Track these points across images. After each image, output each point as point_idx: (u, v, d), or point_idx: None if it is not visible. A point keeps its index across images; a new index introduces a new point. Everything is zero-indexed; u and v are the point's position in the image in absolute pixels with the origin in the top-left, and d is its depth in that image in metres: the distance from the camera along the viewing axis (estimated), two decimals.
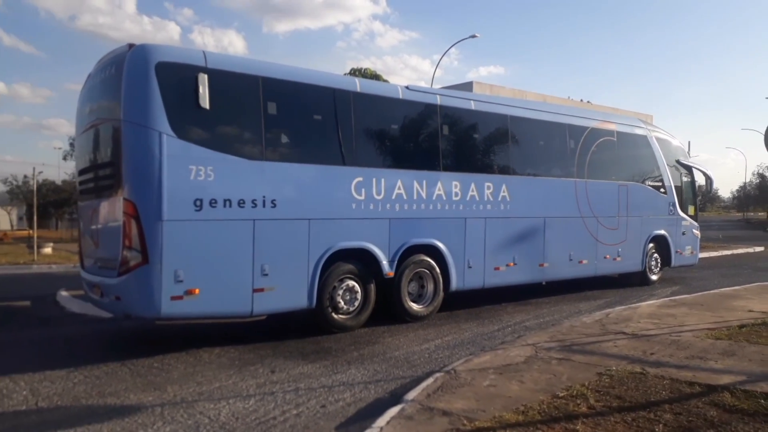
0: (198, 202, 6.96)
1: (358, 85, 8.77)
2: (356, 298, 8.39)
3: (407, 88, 9.35)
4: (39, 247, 21.02)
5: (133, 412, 5.10)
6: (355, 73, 24.30)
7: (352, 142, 8.50)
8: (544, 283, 11.41)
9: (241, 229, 7.30)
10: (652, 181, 13.29)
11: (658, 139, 13.66)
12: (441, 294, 9.39)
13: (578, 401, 4.93)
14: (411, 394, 5.21)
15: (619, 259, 12.40)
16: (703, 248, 15.79)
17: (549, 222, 10.94)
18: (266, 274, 7.43)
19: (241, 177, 7.33)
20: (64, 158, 36.71)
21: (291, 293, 7.74)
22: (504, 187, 10.17)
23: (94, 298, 7.76)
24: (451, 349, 7.38)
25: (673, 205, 13.71)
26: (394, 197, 8.72)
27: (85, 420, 4.93)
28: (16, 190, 44.94)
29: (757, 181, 72.79)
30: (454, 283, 9.50)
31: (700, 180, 15.06)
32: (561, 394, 5.12)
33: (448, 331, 8.48)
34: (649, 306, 9.95)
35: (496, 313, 9.95)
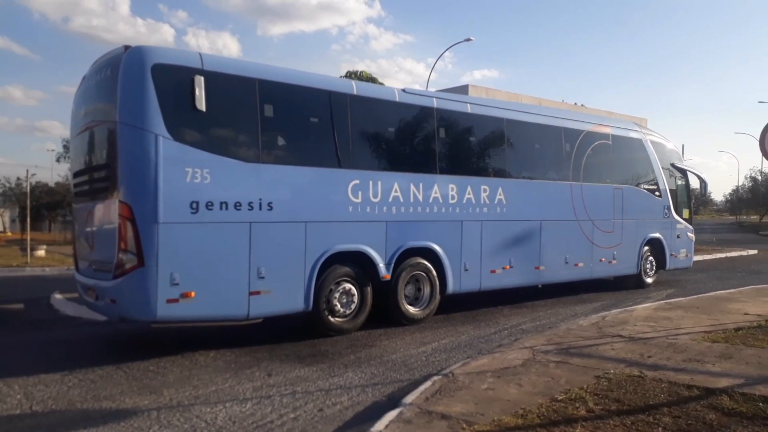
0: (194, 205, 6.92)
1: (355, 87, 8.76)
2: (353, 301, 8.37)
3: (404, 91, 9.35)
4: (32, 249, 20.86)
5: (129, 416, 5.06)
6: (351, 75, 24.29)
7: (349, 144, 8.49)
8: (540, 286, 11.40)
9: (237, 232, 7.26)
10: (647, 184, 13.32)
11: (652, 142, 13.70)
12: (437, 297, 9.38)
13: (577, 405, 4.92)
14: (409, 398, 5.19)
15: (614, 262, 12.42)
16: (697, 251, 15.83)
17: (545, 225, 10.95)
18: (262, 277, 7.40)
19: (237, 179, 7.30)
20: (58, 160, 36.56)
21: (287, 296, 7.70)
22: (500, 190, 10.17)
23: (88, 301, 7.71)
24: (448, 352, 7.36)
25: (668, 208, 13.75)
26: (390, 200, 8.71)
27: (80, 424, 4.89)
28: (9, 193, 44.62)
29: (750, 184, 73.12)
30: (451, 286, 9.49)
31: (694, 183, 15.12)
32: (560, 398, 5.10)
33: (444, 334, 8.47)
34: (645, 309, 9.96)
35: (492, 315, 9.94)
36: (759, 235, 45.94)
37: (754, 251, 26.69)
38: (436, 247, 9.28)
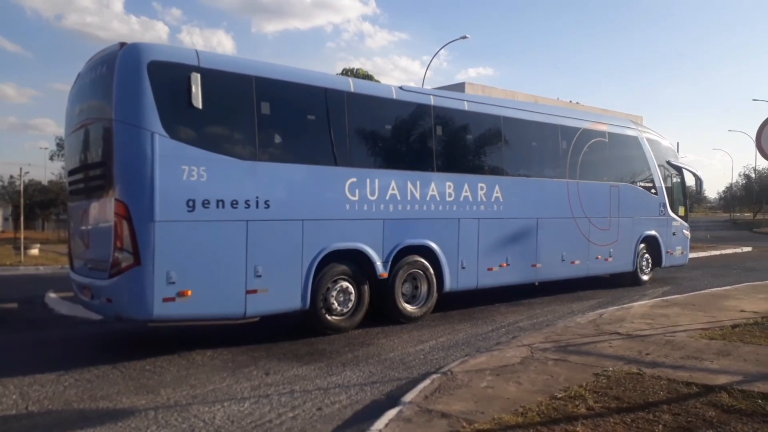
0: (190, 203, 6.88)
1: (352, 85, 8.73)
2: (350, 300, 8.34)
3: (401, 88, 9.32)
4: (26, 248, 20.76)
5: (126, 416, 5.02)
6: (347, 73, 24.24)
7: (346, 142, 8.46)
8: (536, 283, 11.41)
9: (234, 230, 7.22)
10: (643, 181, 13.34)
11: (648, 140, 13.72)
12: (435, 295, 9.36)
13: (577, 402, 4.91)
14: (408, 396, 5.17)
15: (610, 259, 12.44)
16: (692, 248, 15.87)
17: (541, 223, 10.95)
18: (259, 276, 7.37)
19: (234, 177, 7.26)
20: (51, 158, 36.35)
21: (284, 295, 7.67)
22: (497, 187, 10.16)
23: (84, 299, 7.66)
24: (446, 350, 7.35)
25: (664, 205, 13.77)
26: (387, 198, 8.68)
27: (77, 424, 4.85)
28: (2, 191, 44.43)
29: (744, 182, 73.45)
30: (448, 284, 9.48)
31: (689, 181, 15.13)
32: (559, 395, 5.09)
33: (442, 332, 8.45)
34: (642, 306, 9.97)
35: (489, 313, 9.93)
36: (753, 233, 46.15)
37: (749, 248, 26.80)
38: (434, 245, 9.26)
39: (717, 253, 24.07)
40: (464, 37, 29.73)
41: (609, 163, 12.68)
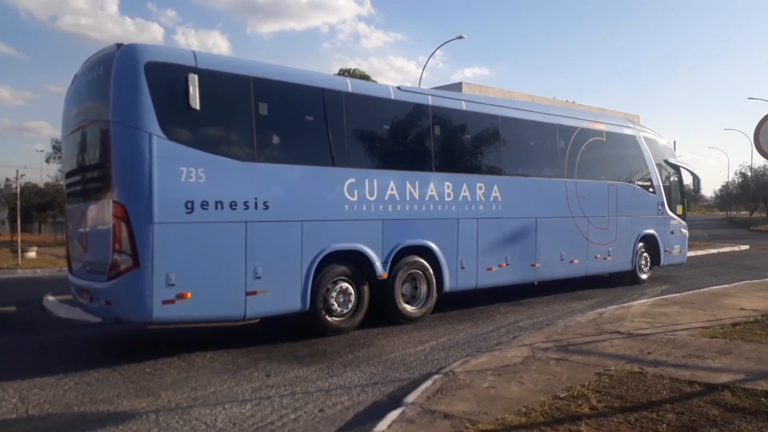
0: (189, 205, 6.85)
1: (350, 85, 8.71)
2: (350, 300, 8.32)
3: (399, 88, 9.30)
4: (23, 251, 20.68)
5: (127, 419, 4.99)
6: (344, 73, 24.19)
7: (344, 142, 8.43)
8: (536, 283, 11.39)
9: (233, 232, 7.19)
10: (641, 180, 13.35)
11: (646, 138, 13.72)
12: (434, 295, 9.34)
13: (580, 402, 4.89)
14: (410, 397, 5.15)
15: (609, 258, 12.44)
16: (689, 247, 15.87)
17: (540, 222, 10.94)
18: (259, 277, 7.34)
19: (232, 179, 7.23)
20: (47, 161, 36.21)
21: (284, 296, 7.65)
22: (496, 187, 10.15)
23: (82, 302, 7.61)
24: (446, 350, 7.33)
25: (662, 204, 13.78)
26: (386, 198, 8.66)
27: (77, 428, 4.82)
28: None
29: (740, 180, 73.64)
30: (447, 284, 9.46)
31: (687, 179, 15.12)
32: (562, 395, 5.08)
33: (442, 332, 8.43)
34: (642, 305, 9.97)
35: (489, 313, 9.92)
36: (749, 231, 46.26)
37: (746, 246, 26.84)
38: (433, 246, 9.24)
39: (715, 251, 24.11)
40: (460, 37, 29.76)
41: (607, 162, 12.69)
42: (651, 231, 13.43)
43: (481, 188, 9.92)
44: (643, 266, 13.53)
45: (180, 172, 6.80)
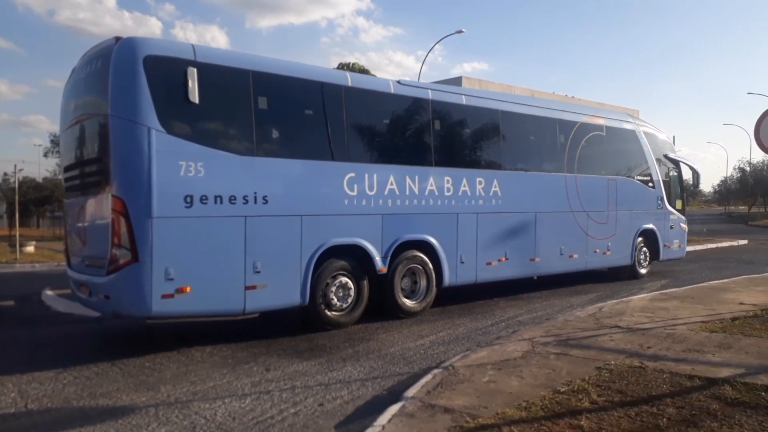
0: (188, 199, 6.83)
1: (349, 79, 8.67)
2: (349, 295, 8.31)
3: (398, 82, 9.27)
4: (21, 245, 20.63)
5: (127, 414, 4.98)
6: (343, 68, 24.08)
7: (344, 137, 8.41)
8: (535, 277, 11.39)
9: (232, 226, 7.17)
10: (640, 175, 13.33)
11: (645, 133, 13.70)
12: (434, 289, 9.33)
13: (580, 396, 4.89)
14: (410, 391, 5.14)
15: (608, 253, 12.43)
16: (688, 242, 15.87)
17: (540, 217, 10.93)
18: (258, 272, 7.32)
19: (231, 173, 7.20)
20: (45, 155, 36.22)
21: (284, 290, 7.63)
22: (495, 182, 10.13)
23: (81, 297, 7.60)
24: (446, 344, 7.32)
25: (661, 199, 13.77)
26: (386, 193, 8.64)
27: (77, 422, 4.80)
28: None
29: (738, 175, 73.73)
30: (447, 279, 9.45)
31: (686, 174, 15.11)
32: (562, 390, 5.07)
33: (442, 326, 8.43)
34: (641, 300, 9.97)
35: (488, 308, 9.91)
36: (748, 226, 46.34)
37: (745, 241, 26.88)
38: (433, 240, 9.23)
39: (713, 246, 24.13)
40: (460, 32, 29.70)
41: (606, 156, 12.66)
42: (650, 226, 13.42)
43: (480, 183, 9.90)
44: (642, 261, 13.53)
45: (179, 166, 6.78)
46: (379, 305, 8.82)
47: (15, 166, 21.20)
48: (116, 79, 6.70)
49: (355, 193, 8.29)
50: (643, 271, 13.60)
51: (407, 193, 8.90)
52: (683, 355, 6.16)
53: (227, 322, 8.68)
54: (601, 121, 12.52)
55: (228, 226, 7.12)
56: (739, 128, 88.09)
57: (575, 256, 11.64)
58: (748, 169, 70.17)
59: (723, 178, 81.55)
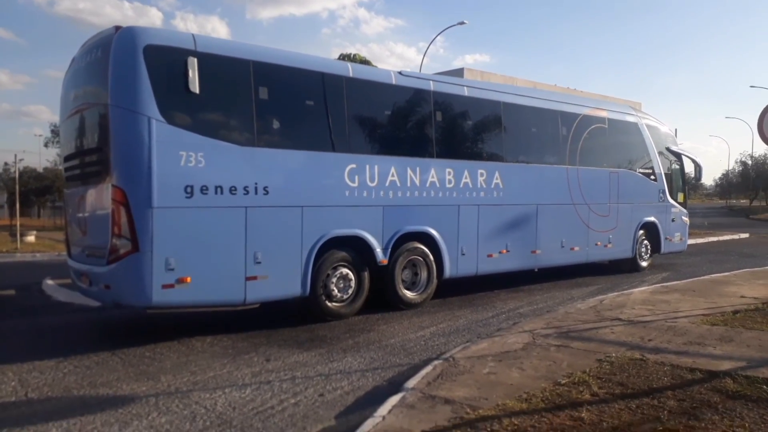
0: (189, 189, 6.80)
1: (351, 70, 8.63)
2: (350, 286, 8.30)
3: (400, 73, 9.22)
4: (22, 235, 20.65)
5: (127, 403, 4.98)
6: (345, 59, 24.01)
7: (345, 128, 8.37)
8: (536, 270, 11.38)
9: (233, 217, 7.15)
10: (642, 168, 13.29)
11: (648, 126, 13.65)
12: (434, 281, 9.32)
13: (581, 388, 4.88)
14: (411, 382, 5.14)
15: (610, 245, 12.41)
16: (690, 235, 15.84)
17: (541, 209, 10.90)
18: (259, 262, 7.31)
19: (232, 163, 7.17)
20: (46, 145, 36.21)
21: (284, 281, 7.62)
22: (497, 174, 10.10)
23: (82, 286, 7.59)
24: (446, 336, 7.32)
25: (663, 192, 13.73)
26: (387, 184, 8.61)
27: (77, 411, 4.80)
28: None
29: (740, 168, 73.57)
30: (448, 271, 9.44)
31: (688, 167, 15.05)
32: (563, 382, 5.07)
33: (442, 318, 8.42)
34: (642, 292, 9.96)
35: (489, 299, 9.91)
36: (749, 219, 46.27)
37: (746, 235, 26.84)
38: (433, 232, 9.21)
39: (715, 239, 24.10)
40: (462, 23, 29.56)
41: (608, 149, 12.62)
42: (652, 218, 13.40)
43: (482, 175, 9.87)
44: (643, 254, 13.51)
45: (179, 156, 6.75)
46: (380, 296, 8.81)
47: (15, 156, 21.15)
48: (116, 68, 6.66)
49: (356, 185, 8.27)
50: (644, 263, 13.58)
51: (408, 184, 8.87)
52: (684, 348, 6.15)
53: (228, 313, 8.68)
54: (603, 114, 12.47)
55: (228, 216, 7.10)
56: (741, 121, 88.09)
57: (576, 248, 11.63)
58: (749, 162, 70.01)
59: (724, 172, 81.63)
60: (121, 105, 6.61)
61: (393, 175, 8.68)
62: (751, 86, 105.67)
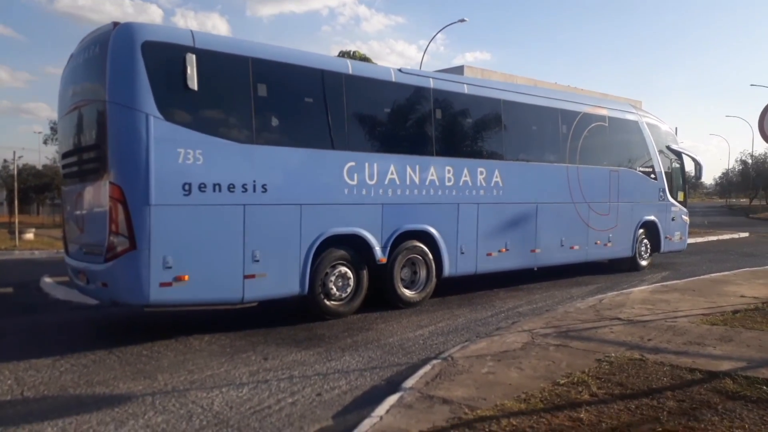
0: (186, 187, 6.77)
1: (350, 67, 8.58)
2: (349, 285, 8.27)
3: (400, 70, 9.18)
4: (21, 232, 20.61)
5: (123, 402, 4.95)
6: (345, 56, 23.95)
7: (344, 125, 8.33)
8: (536, 268, 11.35)
9: (231, 215, 7.12)
10: (642, 166, 13.25)
11: (648, 124, 13.61)
12: (434, 280, 9.29)
13: (580, 389, 4.85)
14: (409, 382, 5.11)
15: (609, 244, 12.38)
16: (689, 234, 15.81)
17: (541, 208, 10.87)
18: (257, 261, 7.27)
19: (230, 161, 7.14)
20: (45, 142, 36.10)
21: (283, 280, 7.59)
22: (497, 172, 10.06)
23: (79, 284, 7.56)
24: (445, 335, 7.29)
25: (663, 190, 13.70)
26: (386, 182, 8.58)
27: (73, 410, 4.77)
28: None
29: (740, 167, 73.51)
30: (447, 269, 9.41)
31: (688, 166, 15.01)
32: (562, 382, 5.03)
33: (441, 317, 8.39)
34: (642, 291, 9.93)
35: (488, 299, 9.87)
36: (749, 218, 46.25)
37: (746, 234, 26.82)
38: (433, 230, 9.17)
39: (714, 238, 24.07)
40: (462, 20, 29.48)
41: (609, 147, 12.58)
42: (652, 217, 13.37)
43: (482, 173, 9.83)
44: (643, 253, 13.48)
45: (177, 153, 6.71)
46: (379, 295, 8.78)
47: (14, 153, 21.07)
48: (114, 64, 6.62)
49: (355, 183, 8.23)
50: (644, 262, 13.55)
51: (408, 182, 8.83)
52: (684, 348, 6.12)
53: (226, 311, 8.65)
54: (603, 112, 12.43)
55: (227, 214, 7.07)
56: (741, 120, 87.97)
57: (576, 247, 11.59)
58: (749, 161, 69.95)
59: (725, 171, 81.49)
60: (118, 101, 6.57)
61: (392, 173, 8.65)
62: (752, 85, 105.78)
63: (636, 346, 6.23)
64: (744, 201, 79.21)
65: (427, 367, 5.54)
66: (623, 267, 13.28)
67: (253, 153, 7.34)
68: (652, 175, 13.41)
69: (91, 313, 8.81)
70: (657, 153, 13.53)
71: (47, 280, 11.34)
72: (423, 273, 9.21)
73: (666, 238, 13.81)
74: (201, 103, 7.10)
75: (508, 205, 10.30)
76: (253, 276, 7.25)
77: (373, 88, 8.84)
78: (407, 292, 9.02)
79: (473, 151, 10.09)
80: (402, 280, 8.97)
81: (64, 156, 8.01)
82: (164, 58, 6.81)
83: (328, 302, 8.08)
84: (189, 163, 6.78)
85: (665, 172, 13.75)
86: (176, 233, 6.70)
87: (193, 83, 6.89)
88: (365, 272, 8.42)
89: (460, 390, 4.88)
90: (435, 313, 8.69)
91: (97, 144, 6.96)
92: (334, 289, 8.11)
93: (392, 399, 4.68)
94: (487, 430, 4.06)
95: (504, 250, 10.26)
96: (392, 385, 5.24)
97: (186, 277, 6.74)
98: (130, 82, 6.56)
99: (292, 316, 8.23)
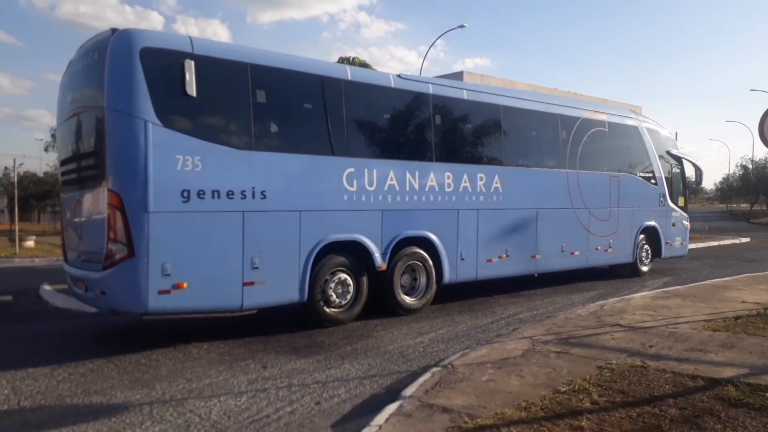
0: (185, 193, 6.74)
1: (349, 73, 8.57)
2: (348, 292, 8.23)
3: (399, 76, 9.17)
4: (21, 240, 20.59)
5: (121, 411, 4.90)
6: (344, 62, 24.00)
7: (343, 131, 8.31)
8: (536, 275, 11.31)
9: (230, 222, 7.09)
10: (642, 172, 13.22)
11: (648, 129, 13.59)
12: (434, 287, 9.25)
13: (581, 396, 4.81)
14: (408, 390, 5.06)
15: (610, 250, 12.34)
16: (690, 239, 15.76)
17: (541, 213, 10.84)
18: (256, 268, 7.24)
19: (229, 167, 7.11)
20: (46, 150, 36.09)
21: (282, 287, 7.55)
22: (496, 178, 10.04)
23: (78, 292, 7.52)
24: (445, 342, 7.25)
25: (664, 196, 13.67)
26: (386, 188, 8.55)
27: (70, 420, 4.73)
28: None
29: (741, 172, 73.45)
30: (447, 276, 9.37)
31: (689, 171, 14.98)
32: (562, 389, 4.99)
33: (441, 324, 8.35)
34: (643, 297, 9.88)
35: (489, 305, 9.83)
36: (750, 223, 46.15)
37: (747, 239, 26.75)
38: (433, 237, 9.14)
39: (715, 243, 24.01)
40: (462, 26, 29.53)
41: (609, 153, 12.56)
42: (652, 223, 13.33)
43: (481, 179, 9.81)
44: (644, 258, 13.43)
45: (176, 160, 6.69)
46: (379, 302, 8.73)
47: (14, 160, 21.10)
48: (112, 71, 6.61)
49: (354, 189, 8.21)
50: (644, 268, 13.50)
51: (407, 188, 8.80)
52: (686, 355, 6.08)
53: (225, 319, 8.61)
54: (603, 117, 12.41)
55: (225, 221, 7.04)
56: (741, 125, 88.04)
57: (576, 253, 11.55)
58: (750, 166, 69.91)
59: (725, 176, 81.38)
60: (117, 108, 6.56)
61: (392, 179, 8.62)
62: (752, 90, 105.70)
63: (637, 352, 6.18)
64: (745, 206, 79.07)
65: (427, 375, 5.50)
66: (624, 273, 13.23)
67: (252, 159, 7.32)
68: (653, 181, 13.38)
69: (89, 321, 8.78)
70: (657, 158, 13.50)
71: (47, 287, 11.31)
72: (423, 279, 9.17)
73: (667, 243, 13.77)
74: (200, 110, 7.09)
75: (508, 210, 10.26)
76: (252, 283, 7.21)
77: (372, 94, 8.83)
78: (407, 299, 8.98)
79: (473, 156, 10.06)
80: (402, 286, 8.93)
81: (63, 163, 8.00)
82: (163, 64, 6.80)
83: (327, 309, 8.04)
84: (188, 170, 6.75)
85: (666, 178, 13.72)
86: (175, 240, 6.67)
87: (192, 89, 6.87)
88: (365, 279, 8.39)
89: (460, 398, 4.83)
90: (435, 320, 8.64)
91: (96, 151, 6.94)
92: (334, 296, 8.08)
93: (392, 408, 4.64)
94: None
95: (504, 256, 10.23)
96: (392, 394, 5.20)
97: (185, 285, 6.71)
98: (129, 89, 6.54)
99: (291, 323, 8.19)
